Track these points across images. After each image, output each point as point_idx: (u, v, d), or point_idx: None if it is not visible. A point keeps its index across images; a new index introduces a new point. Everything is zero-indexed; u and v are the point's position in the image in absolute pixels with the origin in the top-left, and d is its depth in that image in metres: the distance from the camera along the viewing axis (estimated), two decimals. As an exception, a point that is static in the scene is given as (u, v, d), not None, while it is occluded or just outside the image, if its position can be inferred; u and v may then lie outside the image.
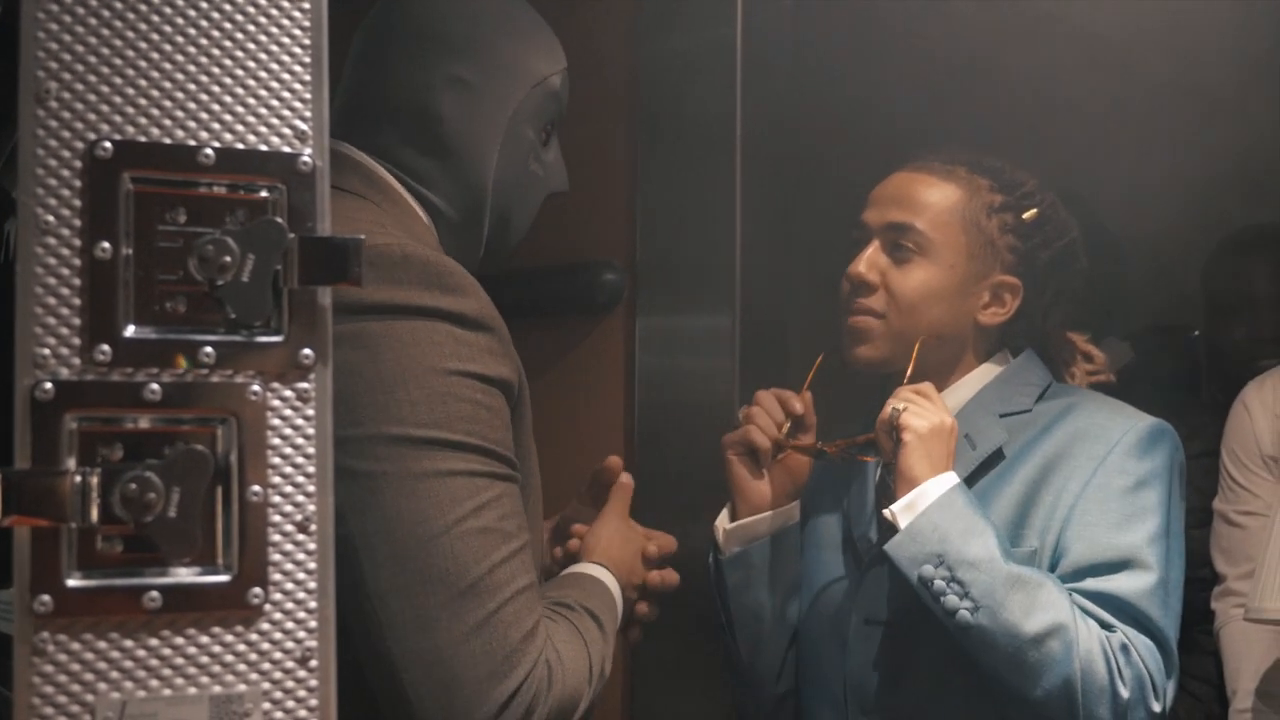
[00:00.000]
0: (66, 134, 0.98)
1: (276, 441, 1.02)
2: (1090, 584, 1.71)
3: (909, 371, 1.82)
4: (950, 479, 1.71)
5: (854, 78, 2.86)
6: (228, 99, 1.03)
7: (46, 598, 0.95)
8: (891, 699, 1.80)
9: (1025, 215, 1.86)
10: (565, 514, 1.93)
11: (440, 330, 1.42)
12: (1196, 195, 3.01)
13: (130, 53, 1.01)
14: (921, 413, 1.74)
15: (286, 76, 1.05)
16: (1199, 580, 2.49)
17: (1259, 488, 2.45)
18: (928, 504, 1.69)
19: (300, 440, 1.03)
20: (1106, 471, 1.75)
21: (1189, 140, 2.99)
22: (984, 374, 1.89)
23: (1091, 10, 2.78)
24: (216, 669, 0.99)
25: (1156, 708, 1.66)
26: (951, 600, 1.66)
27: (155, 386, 0.99)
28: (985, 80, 2.87)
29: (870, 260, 1.85)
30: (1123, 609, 1.70)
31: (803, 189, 2.54)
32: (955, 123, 2.78)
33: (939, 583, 1.66)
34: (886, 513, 1.73)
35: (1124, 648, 1.66)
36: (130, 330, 0.99)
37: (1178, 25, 2.77)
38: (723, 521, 1.93)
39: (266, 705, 1.01)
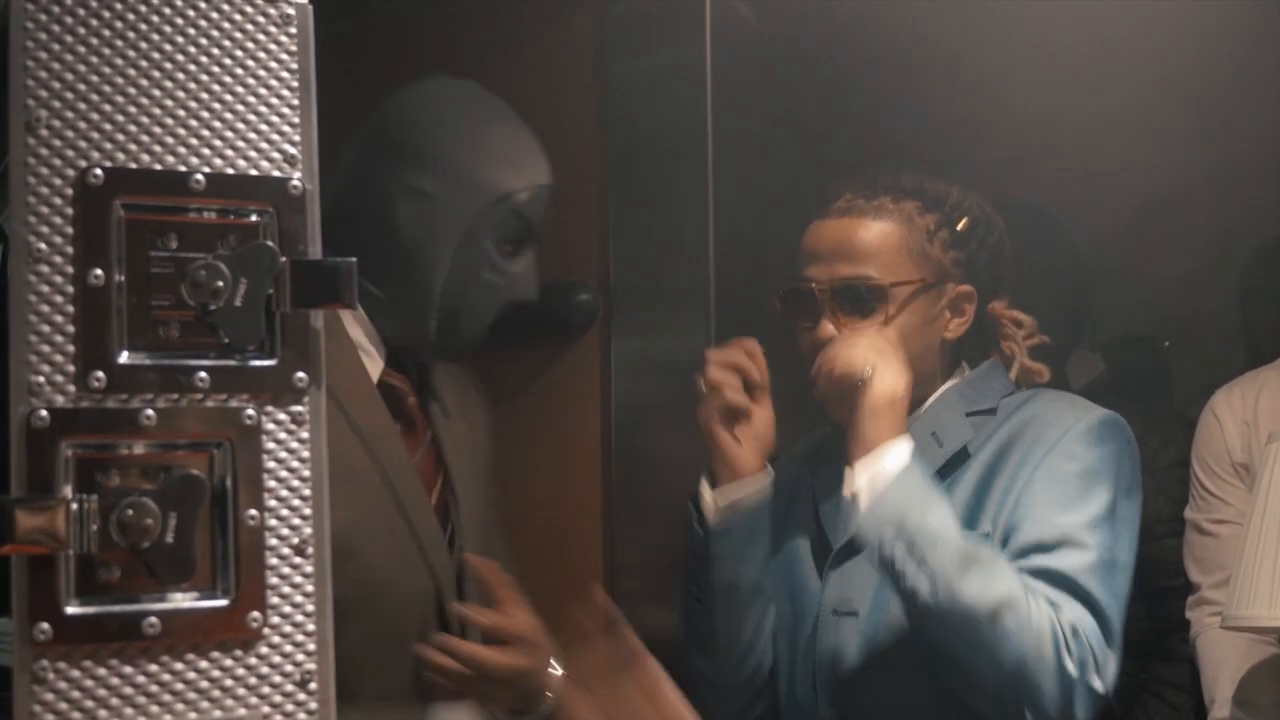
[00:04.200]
0: (57, 162, 0.98)
1: (272, 465, 1.02)
2: (1034, 560, 1.73)
3: (890, 312, 1.83)
4: (904, 453, 1.74)
5: (823, 93, 2.88)
6: (217, 124, 1.03)
7: (46, 626, 0.95)
8: (856, 685, 1.83)
9: (959, 226, 1.88)
10: None
11: None
12: (1165, 206, 3.04)
13: (119, 80, 1.01)
14: (887, 375, 1.76)
15: (275, 101, 1.05)
16: (1173, 589, 2.51)
17: (1231, 496, 2.47)
18: (886, 483, 1.72)
19: (295, 463, 1.03)
20: (1055, 456, 1.79)
21: (1161, 149, 3.02)
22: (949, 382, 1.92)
23: (1064, 22, 2.81)
24: (216, 694, 0.99)
25: (1099, 686, 1.69)
26: (909, 580, 1.68)
27: (150, 412, 0.99)
28: (957, 94, 2.90)
29: (833, 321, 1.86)
30: (1063, 583, 1.72)
31: (775, 206, 2.56)
32: (927, 136, 2.80)
33: (899, 558, 1.68)
34: (847, 495, 1.75)
35: (1073, 629, 1.68)
36: (124, 356, 0.99)
37: (1148, 37, 2.80)
38: (710, 494, 1.91)
39: (267, 729, 1.00)
